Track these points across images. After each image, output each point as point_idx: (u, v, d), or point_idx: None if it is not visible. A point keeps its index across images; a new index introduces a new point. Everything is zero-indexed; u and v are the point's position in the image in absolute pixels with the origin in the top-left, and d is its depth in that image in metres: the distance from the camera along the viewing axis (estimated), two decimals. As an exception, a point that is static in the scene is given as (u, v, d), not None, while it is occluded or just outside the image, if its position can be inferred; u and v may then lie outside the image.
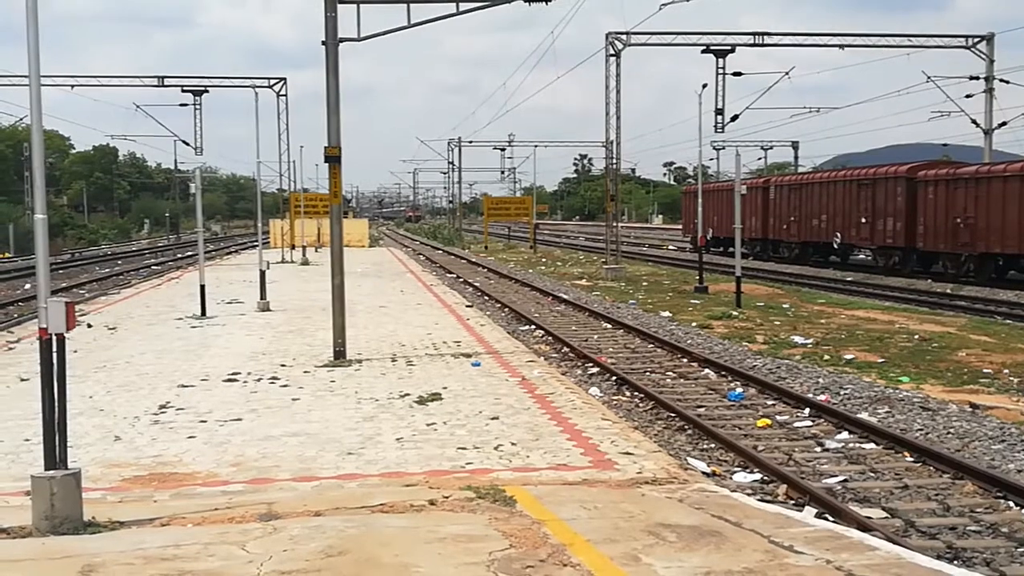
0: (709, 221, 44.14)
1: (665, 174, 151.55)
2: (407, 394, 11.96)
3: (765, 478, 9.62)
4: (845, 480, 9.58)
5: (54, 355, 6.83)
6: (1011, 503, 8.73)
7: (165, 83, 49.50)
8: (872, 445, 10.83)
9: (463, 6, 15.87)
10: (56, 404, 6.84)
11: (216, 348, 16.30)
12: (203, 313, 20.95)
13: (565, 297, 27.88)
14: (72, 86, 47.59)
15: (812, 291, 30.48)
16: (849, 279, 33.93)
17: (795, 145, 79.60)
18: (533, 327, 21.34)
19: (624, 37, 38.37)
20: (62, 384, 6.87)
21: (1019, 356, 16.68)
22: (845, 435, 11.27)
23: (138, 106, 52.10)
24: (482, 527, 6.80)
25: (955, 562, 7.18)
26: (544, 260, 49.85)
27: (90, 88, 48.46)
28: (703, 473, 9.39)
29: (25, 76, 6.92)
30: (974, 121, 40.66)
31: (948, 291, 28.93)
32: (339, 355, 14.79)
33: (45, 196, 7.00)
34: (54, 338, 6.83)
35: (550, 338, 19.55)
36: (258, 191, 30.08)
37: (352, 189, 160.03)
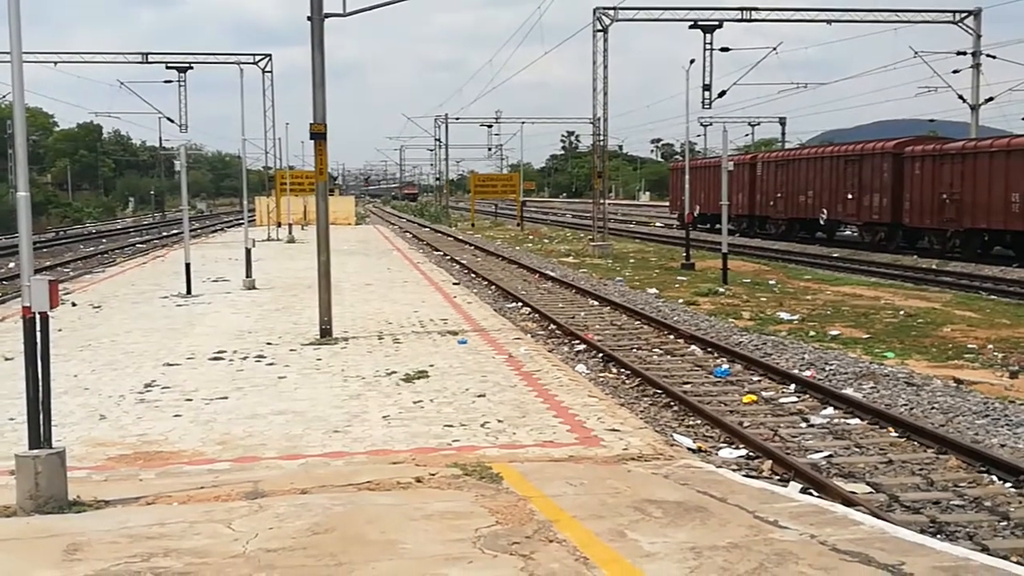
0: (696, 198, 44.12)
1: (652, 151, 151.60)
2: (393, 372, 11.95)
3: (750, 454, 9.67)
4: (830, 455, 9.63)
5: (38, 334, 6.80)
6: (994, 477, 8.80)
7: (149, 60, 49.13)
8: (857, 420, 10.89)
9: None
10: (40, 383, 6.81)
11: (202, 327, 16.25)
12: (188, 291, 20.87)
13: (552, 274, 27.88)
14: (55, 63, 47.22)
15: (798, 267, 30.57)
16: (835, 255, 34.03)
17: (782, 121, 79.57)
18: (520, 304, 21.34)
19: (611, 12, 38.22)
20: (46, 363, 6.84)
21: (1003, 331, 16.77)
22: (830, 411, 11.32)
23: (122, 83, 51.82)
24: (468, 504, 6.82)
25: (938, 536, 7.23)
26: (531, 237, 49.81)
27: (74, 65, 48.28)
28: (689, 449, 9.43)
29: (7, 53, 6.85)
30: (961, 96, 40.73)
31: (933, 267, 29.05)
32: (325, 333, 14.76)
33: (28, 174, 6.94)
34: (38, 317, 6.79)
35: (537, 315, 19.56)
36: (243, 168, 29.91)
37: (338, 166, 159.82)
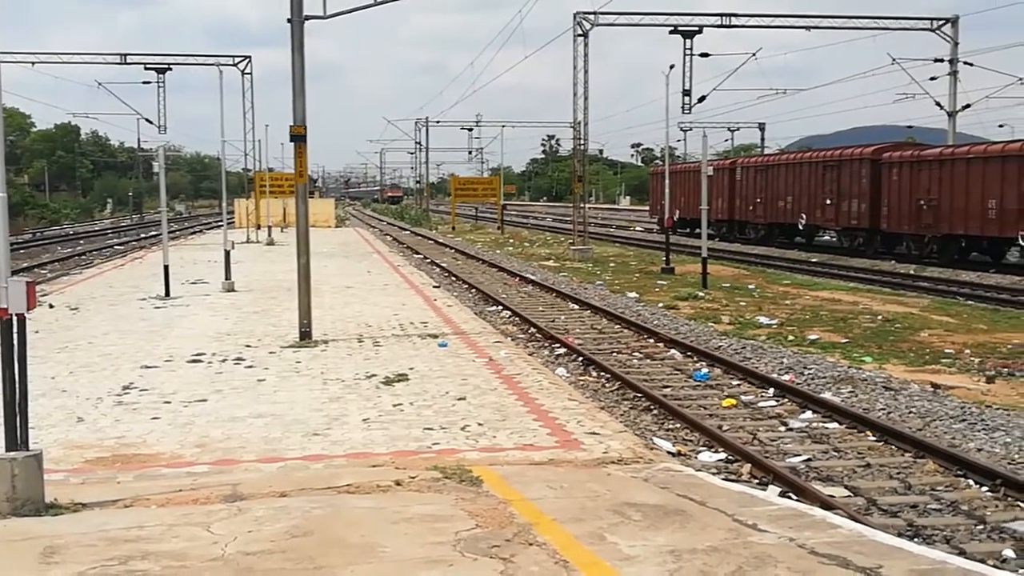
0: (676, 202, 44.24)
1: (632, 155, 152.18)
2: (373, 375, 11.92)
3: (730, 457, 9.70)
4: (808, 459, 9.67)
5: (14, 335, 6.75)
6: (971, 481, 8.86)
7: (128, 61, 48.87)
8: (835, 425, 10.94)
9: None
10: (17, 385, 6.75)
11: (180, 329, 16.17)
12: (167, 294, 20.77)
13: (532, 278, 27.89)
14: (33, 63, 46.93)
15: (777, 272, 30.71)
16: (814, 260, 34.20)
17: (762, 127, 79.97)
18: (500, 308, 21.33)
19: (592, 17, 38.31)
20: (23, 365, 6.79)
21: (980, 336, 16.89)
22: (809, 415, 11.37)
23: (100, 84, 51.52)
24: (448, 507, 6.81)
25: (916, 539, 7.27)
26: (512, 241, 49.83)
27: (52, 65, 47.85)
28: (668, 453, 9.44)
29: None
30: (938, 103, 41.03)
31: (911, 272, 29.24)
32: (305, 336, 14.72)
33: (5, 174, 6.89)
34: (14, 318, 6.75)
35: (517, 319, 19.56)
36: (223, 170, 29.86)
37: (318, 169, 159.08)
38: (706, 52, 41.07)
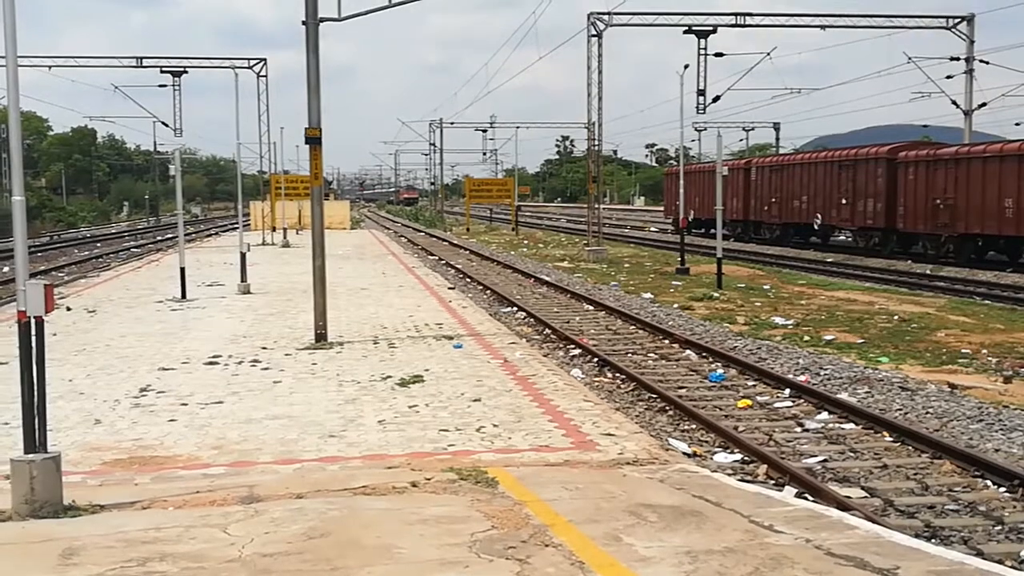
0: (691, 203, 44.16)
1: (647, 156, 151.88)
2: (389, 376, 11.95)
3: (746, 458, 9.68)
4: (825, 460, 9.64)
5: (33, 338, 6.79)
6: (988, 482, 8.82)
7: (144, 64, 49.12)
8: (851, 425, 10.90)
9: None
10: (35, 387, 6.80)
11: (197, 331, 16.23)
12: (183, 296, 20.86)
13: (547, 279, 27.88)
14: (50, 67, 47.23)
15: (793, 272, 30.62)
16: (829, 260, 34.08)
17: (776, 126, 79.77)
18: (515, 309, 21.34)
19: (606, 17, 38.29)
20: (41, 367, 6.83)
21: (997, 336, 16.80)
22: (825, 415, 11.34)
23: (117, 87, 51.72)
24: (464, 508, 6.82)
25: (933, 540, 7.25)
26: (526, 242, 49.81)
27: (68, 69, 48.08)
28: (684, 454, 9.43)
29: (2, 57, 6.85)
30: (954, 102, 40.84)
31: (927, 272, 29.11)
32: (320, 338, 14.76)
33: (23, 178, 6.95)
34: (33, 321, 6.79)
35: (532, 320, 19.56)
36: (238, 173, 29.91)
37: (333, 171, 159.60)
38: (720, 52, 41.06)
